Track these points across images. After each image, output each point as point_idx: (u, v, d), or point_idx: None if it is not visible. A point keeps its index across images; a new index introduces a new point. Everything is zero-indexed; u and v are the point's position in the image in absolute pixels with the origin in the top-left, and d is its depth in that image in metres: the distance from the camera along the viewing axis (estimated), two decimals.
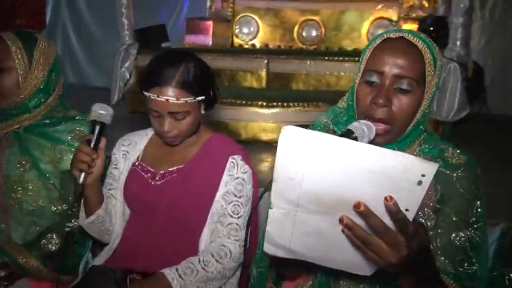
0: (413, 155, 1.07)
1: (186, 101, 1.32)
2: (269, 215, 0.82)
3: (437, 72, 1.03)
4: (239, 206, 1.40)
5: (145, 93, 1.32)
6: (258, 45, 4.51)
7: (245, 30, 4.59)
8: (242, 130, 2.79)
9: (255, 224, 1.50)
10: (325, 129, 1.18)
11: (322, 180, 0.75)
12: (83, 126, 1.53)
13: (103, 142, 1.29)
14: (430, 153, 1.10)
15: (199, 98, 1.34)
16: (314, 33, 4.43)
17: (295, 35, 4.47)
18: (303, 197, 0.78)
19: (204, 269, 1.33)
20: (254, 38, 4.55)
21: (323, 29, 4.39)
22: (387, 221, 0.74)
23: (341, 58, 3.35)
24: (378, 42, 1.04)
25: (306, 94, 3.05)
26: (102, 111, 1.26)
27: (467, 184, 1.06)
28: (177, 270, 1.31)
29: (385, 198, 0.71)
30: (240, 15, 4.56)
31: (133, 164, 1.49)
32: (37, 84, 1.50)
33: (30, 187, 1.50)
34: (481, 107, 3.42)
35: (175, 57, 1.36)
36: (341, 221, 0.76)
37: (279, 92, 3.06)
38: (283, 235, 0.85)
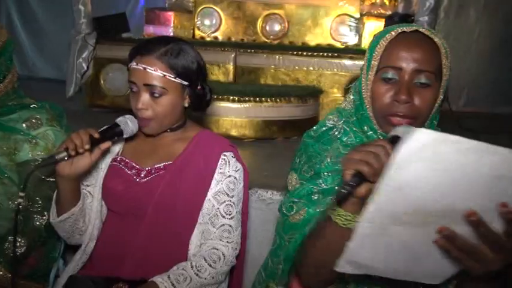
0: None
1: (164, 76, 1.25)
2: (357, 230, 0.76)
3: (449, 65, 1.02)
4: (231, 206, 1.34)
5: (128, 65, 1.27)
6: (220, 38, 4.42)
7: (207, 22, 4.47)
8: (213, 125, 2.70)
9: (245, 224, 1.45)
10: (334, 129, 1.14)
11: (433, 189, 0.71)
12: (39, 114, 1.42)
13: (106, 145, 1.20)
14: None
15: (180, 81, 1.27)
16: (277, 27, 4.39)
17: (258, 28, 4.41)
18: (406, 209, 0.73)
19: (197, 274, 1.26)
20: (216, 30, 4.45)
21: (286, 24, 4.36)
22: (496, 226, 0.72)
23: (310, 53, 3.34)
24: (388, 37, 1.01)
25: (278, 89, 3.01)
26: (129, 122, 1.24)
27: None
28: (169, 277, 1.23)
29: (501, 205, 0.69)
30: (202, 7, 4.44)
31: (114, 160, 1.38)
32: None
33: None
34: (441, 103, 3.55)
35: (170, 38, 1.34)
36: (440, 231, 0.73)
37: (251, 87, 3.00)
38: (362, 251, 0.80)
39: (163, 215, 1.31)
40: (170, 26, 4.23)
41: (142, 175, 1.34)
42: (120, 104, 3.45)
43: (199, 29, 4.45)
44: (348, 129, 1.12)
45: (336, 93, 3.30)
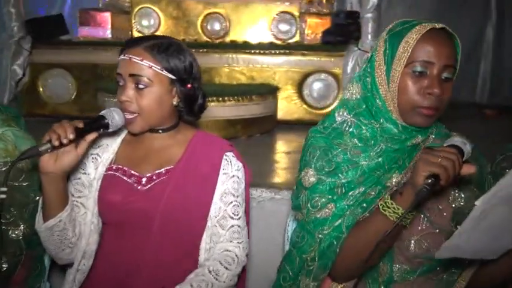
0: (431, 137, 1.15)
1: (150, 67, 1.22)
2: (470, 214, 0.83)
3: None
4: (238, 206, 1.32)
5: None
6: None
7: (145, 22, 4.32)
8: None
9: (248, 223, 1.44)
10: (345, 124, 1.16)
11: None
12: None
13: (91, 136, 1.14)
14: (440, 135, 1.17)
15: (166, 74, 1.24)
16: (218, 26, 4.37)
17: (199, 28, 4.36)
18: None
19: (216, 279, 1.23)
20: (156, 31, 4.31)
21: (228, 22, 4.36)
22: None
23: (263, 51, 3.37)
24: (419, 32, 1.04)
25: (239, 88, 3.02)
26: (116, 115, 1.18)
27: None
28: (191, 286, 1.19)
29: None
30: (139, 7, 4.27)
31: (109, 169, 1.30)
32: None
33: None
34: None
35: (163, 35, 1.33)
36: None
37: (214, 87, 2.98)
38: (464, 234, 0.87)
39: (171, 222, 1.26)
40: (107, 27, 4.04)
41: (143, 182, 1.28)
42: (63, 112, 3.24)
43: (137, 30, 4.29)
44: (358, 122, 1.14)
45: (291, 90, 3.38)
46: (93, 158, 1.32)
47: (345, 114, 1.16)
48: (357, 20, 3.19)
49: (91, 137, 1.14)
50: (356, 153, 1.11)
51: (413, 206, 0.94)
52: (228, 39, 4.33)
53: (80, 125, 1.11)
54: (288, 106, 3.38)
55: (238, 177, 1.34)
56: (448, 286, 1.11)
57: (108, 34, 4.03)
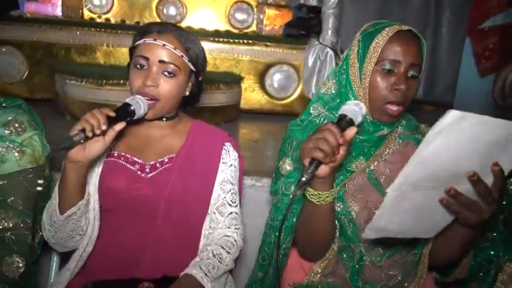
0: (400, 129, 1.28)
1: (182, 56, 1.27)
2: (384, 200, 0.92)
3: None
4: (235, 194, 1.39)
5: (138, 42, 1.26)
6: (112, 21, 4.14)
7: (96, 2, 4.13)
8: None
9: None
10: (319, 117, 1.26)
11: (446, 159, 0.88)
12: (20, 116, 1.23)
13: (120, 126, 1.13)
14: (409, 127, 1.30)
15: (191, 65, 1.30)
16: (175, 11, 4.30)
17: (154, 12, 4.25)
18: (425, 177, 0.90)
19: (220, 262, 1.29)
20: (108, 11, 4.14)
21: (184, 8, 4.30)
22: (487, 181, 0.93)
23: (225, 39, 3.39)
24: (388, 33, 1.14)
25: (206, 76, 3.00)
26: (141, 103, 1.18)
27: None
28: (201, 268, 1.24)
29: (494, 164, 0.91)
30: None
31: (110, 156, 1.30)
32: None
33: None
34: None
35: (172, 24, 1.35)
36: (448, 191, 0.93)
37: None
38: (384, 217, 0.96)
39: (175, 209, 1.29)
40: (57, 4, 3.81)
41: (147, 170, 1.30)
42: (12, 92, 3.04)
43: (89, 9, 4.09)
44: (331, 115, 1.24)
45: (253, 80, 3.43)
46: None
47: (320, 108, 1.26)
48: (318, 15, 3.31)
49: (119, 126, 1.13)
50: None
51: (297, 191, 0.98)
52: (184, 24, 4.28)
53: (111, 113, 1.10)
54: (249, 95, 3.44)
55: (235, 166, 1.40)
56: (413, 266, 1.24)
57: (58, 12, 3.80)
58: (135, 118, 1.19)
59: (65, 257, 1.35)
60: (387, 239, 1.18)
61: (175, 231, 1.30)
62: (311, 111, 1.27)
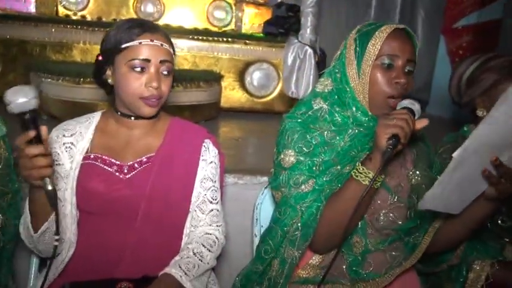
0: None
1: (174, 53, 1.29)
2: (450, 164, 1.00)
3: None
4: (216, 191, 1.39)
5: (130, 43, 1.21)
6: (89, 18, 4.06)
7: None
8: None
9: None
10: (320, 111, 1.28)
11: (506, 128, 0.97)
12: None
13: (44, 131, 1.02)
14: None
15: (174, 58, 1.31)
16: (152, 8, 4.25)
17: (131, 9, 4.19)
18: (485, 143, 0.98)
19: (201, 260, 1.29)
20: (84, 8, 4.06)
21: (162, 6, 4.25)
22: None
23: (205, 37, 3.38)
24: (386, 31, 1.19)
25: (186, 73, 2.99)
26: (23, 99, 0.97)
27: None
28: (180, 267, 1.23)
29: None
30: None
31: (86, 158, 1.28)
32: None
33: None
34: None
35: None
36: (494, 160, 1.02)
37: None
38: (443, 184, 1.03)
39: (155, 209, 1.28)
40: (31, 1, 3.72)
41: (125, 171, 1.28)
42: None
43: (64, 6, 4.00)
44: (332, 110, 1.27)
45: (233, 78, 3.43)
46: (66, 147, 1.28)
47: (321, 102, 1.29)
48: (297, 13, 3.33)
49: (45, 131, 1.03)
50: (332, 136, 1.25)
51: (382, 166, 1.09)
52: (161, 22, 4.23)
53: (31, 134, 1.00)
54: (229, 93, 3.43)
55: (215, 163, 1.39)
56: (414, 248, 1.27)
57: (31, 8, 3.71)
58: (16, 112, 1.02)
59: (44, 259, 1.33)
60: (389, 225, 1.23)
61: (156, 231, 1.29)
62: (313, 105, 1.29)
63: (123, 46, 1.22)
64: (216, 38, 3.37)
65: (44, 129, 1.01)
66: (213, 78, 3.07)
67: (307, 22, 3.29)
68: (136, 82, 1.22)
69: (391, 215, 1.23)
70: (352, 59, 1.22)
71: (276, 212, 1.29)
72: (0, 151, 1.23)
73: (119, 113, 1.32)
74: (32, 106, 0.98)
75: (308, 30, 3.30)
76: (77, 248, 1.26)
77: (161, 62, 1.23)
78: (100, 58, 1.29)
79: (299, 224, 1.21)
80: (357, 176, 1.13)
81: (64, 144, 1.29)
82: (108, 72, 1.28)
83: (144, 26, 1.24)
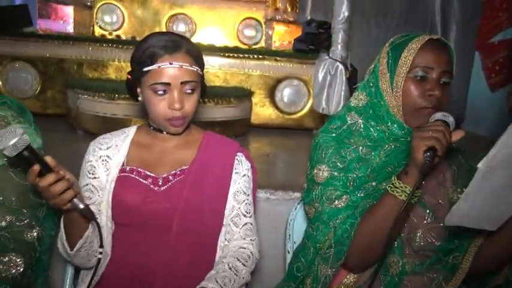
0: None
1: (197, 70, 1.25)
2: (475, 176, 0.93)
3: None
4: (249, 204, 1.37)
5: (151, 67, 1.20)
6: (123, 37, 4.19)
7: (107, 19, 4.20)
8: None
9: None
10: (355, 125, 1.26)
11: None
12: (3, 111, 1.22)
13: (49, 159, 1.04)
14: None
15: (201, 73, 1.29)
16: (184, 27, 4.35)
17: (164, 28, 4.30)
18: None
19: (236, 275, 1.26)
20: (119, 28, 4.21)
21: (193, 25, 4.35)
22: None
23: (236, 54, 3.41)
24: (419, 42, 1.17)
25: (217, 90, 3.02)
26: (14, 139, 0.98)
27: None
28: (217, 281, 1.21)
29: None
30: (102, 2, 4.15)
31: (122, 171, 1.29)
32: None
33: None
34: None
35: (174, 33, 1.30)
36: None
37: None
38: (470, 198, 0.96)
39: (189, 222, 1.27)
40: (69, 21, 3.88)
41: (160, 183, 1.28)
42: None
43: (100, 26, 4.15)
44: (367, 124, 1.25)
45: (263, 94, 3.44)
46: (102, 160, 1.30)
47: (356, 116, 1.27)
48: (327, 30, 3.32)
49: (49, 159, 1.04)
50: (367, 152, 1.21)
51: (420, 180, 1.04)
52: (193, 40, 4.30)
53: (35, 169, 1.02)
54: (259, 110, 3.44)
55: (248, 176, 1.38)
56: (453, 269, 1.20)
57: (70, 29, 3.87)
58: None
59: (78, 270, 1.34)
60: (426, 246, 1.17)
61: (190, 244, 1.28)
62: (347, 119, 1.27)
63: (145, 70, 1.22)
64: (246, 55, 3.40)
65: (48, 158, 1.03)
66: (243, 95, 3.09)
67: (338, 38, 3.27)
68: (160, 104, 1.23)
69: (428, 235, 1.18)
70: (385, 72, 1.21)
71: (309, 228, 1.26)
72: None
73: (152, 128, 1.34)
74: (25, 142, 1.00)
75: (339, 47, 3.28)
76: (111, 260, 1.26)
77: (182, 83, 1.22)
78: (129, 77, 1.30)
79: (332, 242, 1.18)
80: (392, 191, 1.09)
81: (100, 157, 1.30)
82: (138, 90, 1.29)
83: (164, 47, 1.22)
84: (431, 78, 1.16)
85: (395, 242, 1.18)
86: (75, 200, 1.05)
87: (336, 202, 1.19)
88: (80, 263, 1.23)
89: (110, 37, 4.03)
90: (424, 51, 1.16)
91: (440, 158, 1.04)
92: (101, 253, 1.08)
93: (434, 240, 1.18)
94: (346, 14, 3.23)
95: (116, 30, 4.17)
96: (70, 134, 2.86)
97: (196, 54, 1.27)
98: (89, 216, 1.08)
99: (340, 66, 3.23)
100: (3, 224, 1.16)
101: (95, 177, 1.29)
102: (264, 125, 3.47)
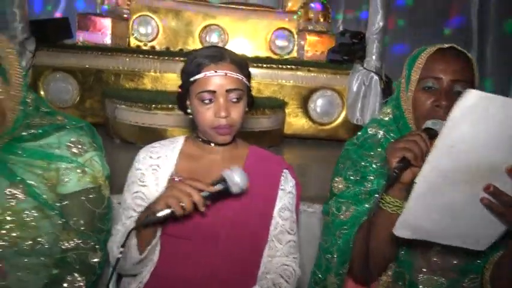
0: None
1: (242, 79, 1.26)
2: (414, 189, 0.87)
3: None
4: (294, 222, 1.36)
5: (197, 76, 1.23)
6: (158, 48, 4.27)
7: (142, 30, 4.30)
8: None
9: None
10: (376, 138, 1.26)
11: (479, 147, 0.81)
12: (81, 137, 1.26)
13: (203, 209, 1.08)
14: None
15: (247, 83, 1.29)
16: (217, 38, 4.40)
17: (197, 39, 4.37)
18: (455, 166, 0.83)
19: None
20: (154, 39, 4.30)
21: (226, 35, 4.39)
22: None
23: (269, 65, 3.43)
24: (427, 52, 1.15)
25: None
26: (238, 180, 1.09)
27: None
28: None
29: None
30: (138, 14, 4.26)
31: (171, 181, 1.30)
32: (19, 94, 1.18)
33: (27, 220, 1.18)
34: None
35: (217, 45, 1.35)
36: (486, 188, 0.85)
37: None
38: (418, 212, 0.90)
39: (236, 235, 1.27)
40: (107, 33, 3.98)
41: None
42: None
43: (135, 38, 4.25)
44: (388, 137, 1.24)
45: (296, 105, 3.44)
46: (153, 169, 1.31)
47: (377, 129, 1.27)
48: (362, 40, 3.30)
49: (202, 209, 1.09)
50: (384, 165, 1.20)
51: (386, 189, 0.99)
52: None
53: (205, 188, 1.09)
54: (292, 120, 3.44)
55: (293, 193, 1.37)
56: None
57: (107, 40, 3.97)
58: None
59: (120, 278, 1.36)
60: (442, 265, 1.14)
61: (234, 257, 1.27)
62: (368, 131, 1.28)
63: (192, 79, 1.25)
64: (280, 66, 3.41)
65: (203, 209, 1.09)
66: (277, 105, 3.09)
67: (373, 49, 3.24)
68: (207, 113, 1.24)
69: (444, 252, 1.15)
70: (404, 85, 1.21)
71: (322, 239, 1.28)
72: (105, 192, 1.29)
73: (200, 139, 1.35)
74: (231, 186, 1.10)
75: (373, 57, 3.25)
76: (156, 269, 1.27)
77: (228, 91, 1.23)
78: (180, 90, 1.33)
79: (335, 250, 1.20)
80: (379, 202, 1.07)
81: (151, 166, 1.32)
82: (188, 103, 1.31)
83: (210, 57, 1.25)
84: (441, 89, 1.13)
85: (411, 260, 1.16)
86: (169, 210, 1.06)
87: (344, 213, 1.20)
88: (134, 269, 1.25)
89: (145, 48, 4.13)
90: (433, 62, 1.14)
91: (417, 166, 0.97)
92: (121, 253, 1.09)
93: (451, 258, 1.15)
94: (381, 24, 3.21)
95: (150, 41, 4.26)
96: (108, 143, 2.92)
97: (241, 64, 1.28)
98: (147, 220, 1.09)
99: (375, 77, 3.20)
100: (72, 245, 1.21)
101: (144, 185, 1.30)
102: (297, 135, 3.46)
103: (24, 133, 1.19)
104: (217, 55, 1.25)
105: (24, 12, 3.11)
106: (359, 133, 1.31)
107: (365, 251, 1.10)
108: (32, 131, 1.21)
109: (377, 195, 1.16)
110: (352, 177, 1.22)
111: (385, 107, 1.30)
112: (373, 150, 1.23)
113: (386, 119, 1.27)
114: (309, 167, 2.75)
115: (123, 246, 1.08)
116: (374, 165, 1.21)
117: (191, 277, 1.25)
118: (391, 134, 1.24)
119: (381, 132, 1.25)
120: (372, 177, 1.20)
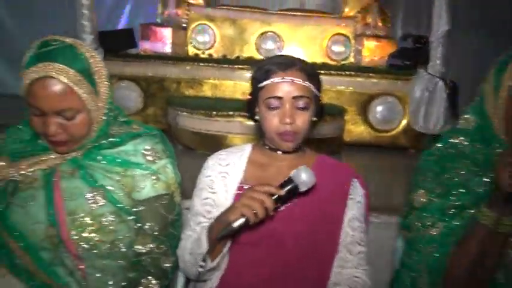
0: None
1: (310, 87, 1.25)
2: None
3: None
4: (363, 232, 1.33)
5: (265, 82, 1.24)
6: (215, 56, 4.35)
7: (200, 38, 4.39)
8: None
9: None
10: (459, 148, 1.21)
11: None
12: (155, 145, 1.29)
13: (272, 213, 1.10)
14: None
15: (316, 92, 1.28)
16: (273, 45, 4.41)
17: (253, 47, 4.41)
18: None
19: None
20: (211, 47, 4.38)
21: (282, 42, 4.40)
22: None
23: (327, 71, 3.39)
24: None
25: None
26: (305, 177, 1.12)
27: None
28: None
29: None
30: (196, 23, 4.36)
31: (240, 188, 1.30)
32: (105, 106, 1.23)
33: (106, 224, 1.22)
34: (454, 122, 3.75)
35: (287, 55, 1.34)
36: None
37: None
38: None
39: (304, 244, 1.26)
40: (167, 42, 4.12)
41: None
42: None
43: (193, 46, 4.35)
44: (473, 148, 1.18)
45: (355, 111, 3.37)
46: (222, 176, 1.32)
47: (460, 138, 1.21)
48: (425, 45, 3.19)
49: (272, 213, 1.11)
50: (470, 177, 1.15)
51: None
52: None
53: (275, 191, 1.10)
54: (351, 127, 3.37)
55: (362, 204, 1.34)
56: None
57: (167, 49, 4.11)
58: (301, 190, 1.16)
59: (188, 283, 1.38)
60: None
61: (303, 267, 1.26)
62: (449, 141, 1.22)
63: (260, 86, 1.27)
64: (338, 72, 3.36)
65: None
66: (336, 112, 3.05)
67: (437, 53, 3.13)
68: (273, 119, 1.25)
69: None
70: (490, 94, 1.15)
71: (404, 254, 1.23)
72: (177, 198, 1.32)
73: (267, 147, 1.35)
74: (299, 184, 1.14)
75: (438, 62, 3.13)
76: (224, 276, 1.28)
77: (294, 97, 1.23)
78: (249, 97, 1.34)
79: (425, 270, 1.14)
80: (477, 217, 1.04)
81: (220, 173, 1.34)
82: (256, 110, 1.32)
83: (278, 64, 1.26)
84: None
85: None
86: (243, 219, 1.08)
87: (431, 229, 1.15)
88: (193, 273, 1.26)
89: (202, 56, 4.23)
90: None
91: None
92: (201, 266, 1.12)
93: None
94: (446, 27, 3.09)
95: (208, 49, 4.34)
96: None
97: (310, 72, 1.28)
98: (223, 231, 1.11)
99: (440, 82, 3.07)
100: (146, 249, 1.25)
101: (214, 192, 1.32)
102: (357, 143, 3.39)
103: (104, 141, 1.25)
104: (286, 62, 1.26)
105: (94, 25, 3.28)
106: (439, 144, 1.25)
107: (462, 270, 1.08)
108: (111, 139, 1.26)
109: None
110: (436, 190, 1.17)
111: (466, 115, 1.24)
112: (457, 162, 1.18)
113: (470, 128, 1.21)
114: (371, 176, 2.68)
115: (204, 260, 1.11)
116: (460, 178, 1.16)
117: (259, 284, 1.25)
118: (476, 144, 1.18)
119: (464, 142, 1.19)
120: (457, 191, 1.15)
